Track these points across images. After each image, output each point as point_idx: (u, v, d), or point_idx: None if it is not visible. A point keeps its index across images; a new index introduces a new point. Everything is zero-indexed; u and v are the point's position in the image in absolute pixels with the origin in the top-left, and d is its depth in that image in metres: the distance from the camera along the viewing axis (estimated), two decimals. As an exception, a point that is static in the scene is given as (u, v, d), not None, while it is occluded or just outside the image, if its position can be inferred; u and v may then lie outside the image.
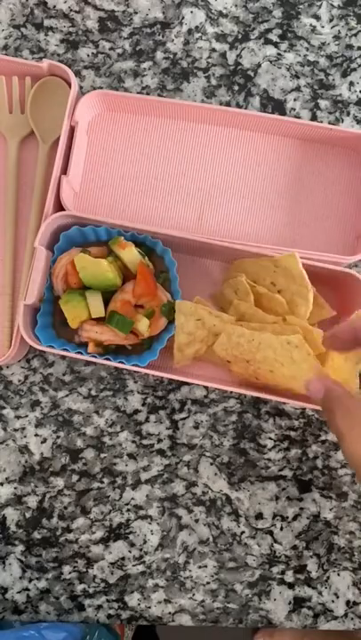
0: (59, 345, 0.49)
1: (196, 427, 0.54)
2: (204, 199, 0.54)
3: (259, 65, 0.57)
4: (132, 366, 0.49)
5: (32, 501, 0.53)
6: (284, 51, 0.57)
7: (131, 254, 0.48)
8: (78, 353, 0.49)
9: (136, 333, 0.49)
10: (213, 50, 0.56)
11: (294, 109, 0.56)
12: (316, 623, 0.53)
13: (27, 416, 0.54)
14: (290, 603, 0.53)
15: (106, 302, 0.48)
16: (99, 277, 0.47)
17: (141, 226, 0.49)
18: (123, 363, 0.49)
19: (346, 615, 0.53)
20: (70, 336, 0.50)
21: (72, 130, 0.51)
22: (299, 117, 0.56)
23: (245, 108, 0.56)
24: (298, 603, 0.53)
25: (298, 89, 0.56)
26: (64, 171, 0.51)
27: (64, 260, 0.48)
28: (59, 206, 0.52)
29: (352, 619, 0.53)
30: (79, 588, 0.53)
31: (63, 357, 0.55)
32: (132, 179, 0.54)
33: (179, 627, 0.53)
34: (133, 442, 0.54)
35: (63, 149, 0.50)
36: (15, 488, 0.53)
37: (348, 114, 0.56)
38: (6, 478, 0.54)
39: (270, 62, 0.57)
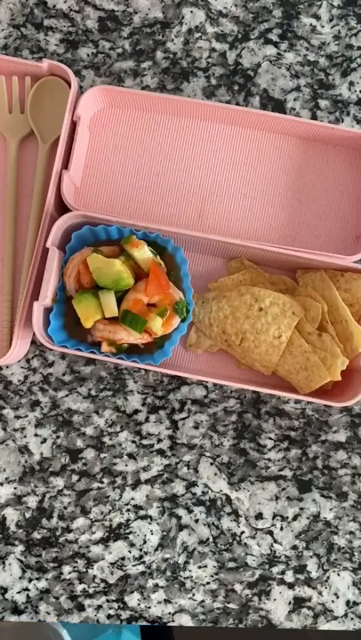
0: (72, 345, 0.49)
1: (196, 427, 0.54)
2: (205, 196, 0.54)
3: (259, 65, 0.57)
4: (145, 365, 0.49)
5: (32, 501, 0.53)
6: (284, 50, 0.57)
7: (143, 253, 0.48)
8: (92, 352, 0.49)
9: (149, 332, 0.48)
10: (213, 50, 0.56)
11: (294, 109, 0.56)
12: (316, 623, 0.53)
13: (26, 416, 0.54)
14: (290, 603, 0.53)
15: (118, 301, 0.48)
16: (112, 277, 0.47)
17: (150, 224, 0.49)
18: (136, 362, 0.49)
19: (346, 615, 0.53)
20: (82, 336, 0.50)
21: (73, 125, 0.51)
22: (299, 117, 0.56)
23: (245, 108, 0.56)
24: (298, 603, 0.53)
25: (298, 89, 0.56)
26: (65, 165, 0.51)
27: (76, 260, 0.48)
28: (60, 201, 0.51)
29: (352, 619, 0.53)
30: (79, 588, 0.53)
31: (63, 357, 0.55)
32: (134, 175, 0.54)
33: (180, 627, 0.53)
34: (133, 442, 0.54)
35: (64, 144, 0.50)
36: (15, 488, 0.53)
37: (348, 114, 0.56)
38: (6, 478, 0.53)
39: (270, 62, 0.57)
